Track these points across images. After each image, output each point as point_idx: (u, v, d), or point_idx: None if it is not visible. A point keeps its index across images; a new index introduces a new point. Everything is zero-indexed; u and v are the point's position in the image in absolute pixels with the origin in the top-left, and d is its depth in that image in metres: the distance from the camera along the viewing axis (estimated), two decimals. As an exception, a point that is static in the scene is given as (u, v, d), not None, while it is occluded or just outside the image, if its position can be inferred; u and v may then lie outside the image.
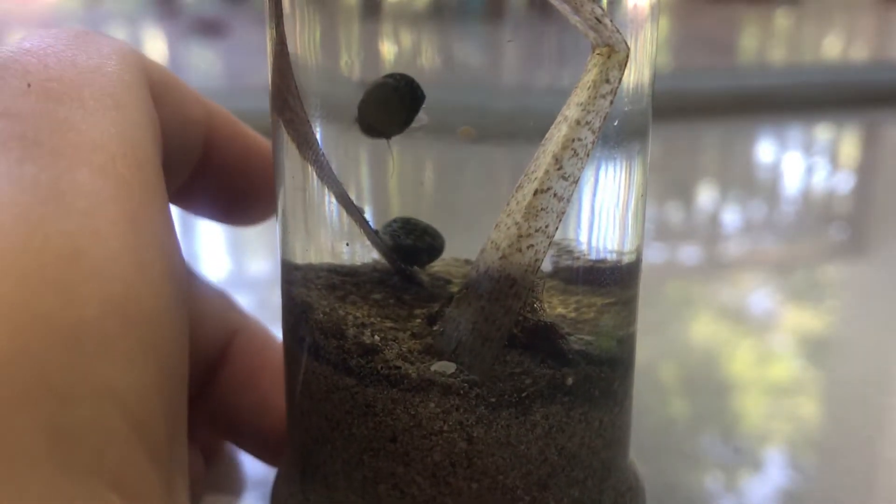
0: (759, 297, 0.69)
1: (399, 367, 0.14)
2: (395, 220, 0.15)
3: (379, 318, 0.15)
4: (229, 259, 0.73)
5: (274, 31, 0.15)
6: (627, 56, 0.13)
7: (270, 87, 0.15)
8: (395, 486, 0.15)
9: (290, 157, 0.16)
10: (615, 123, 0.15)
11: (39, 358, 0.10)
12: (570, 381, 0.15)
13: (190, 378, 0.16)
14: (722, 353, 0.57)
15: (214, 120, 0.17)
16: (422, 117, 0.14)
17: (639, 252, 0.16)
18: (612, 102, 0.14)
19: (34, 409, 0.09)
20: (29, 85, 0.12)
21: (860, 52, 2.02)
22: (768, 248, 0.88)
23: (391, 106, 0.14)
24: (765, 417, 0.47)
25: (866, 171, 1.21)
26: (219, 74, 1.81)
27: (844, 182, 1.20)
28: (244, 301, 0.64)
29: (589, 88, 0.13)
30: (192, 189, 0.17)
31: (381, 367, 0.15)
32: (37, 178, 0.11)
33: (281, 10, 0.15)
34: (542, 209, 0.14)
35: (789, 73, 1.63)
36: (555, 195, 0.14)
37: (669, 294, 0.73)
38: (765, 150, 1.37)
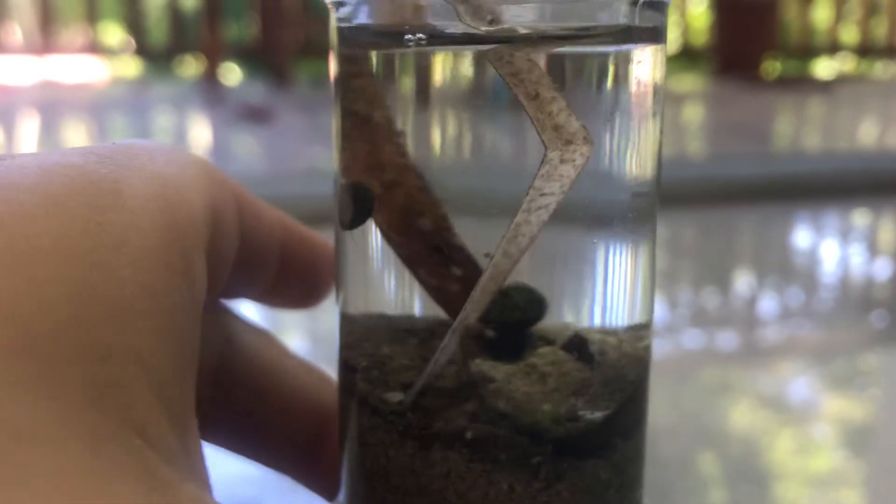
0: (799, 385, 0.68)
1: (355, 385, 0.17)
2: (506, 294, 0.16)
3: (398, 353, 0.17)
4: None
5: (347, 104, 0.16)
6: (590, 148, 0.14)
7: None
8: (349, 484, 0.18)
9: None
10: (620, 211, 0.16)
11: (88, 324, 0.13)
12: (468, 434, 0.16)
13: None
14: (762, 442, 0.56)
15: (288, 226, 0.19)
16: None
17: (640, 336, 0.17)
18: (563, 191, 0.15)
19: (82, 364, 0.12)
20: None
21: (895, 139, 2.02)
22: (807, 335, 0.87)
23: (344, 206, 0.17)
24: (807, 509, 0.46)
25: (905, 257, 1.20)
26: (264, 160, 1.85)
27: (883, 268, 1.19)
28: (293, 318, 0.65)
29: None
30: (272, 287, 0.19)
31: (347, 383, 0.18)
32: (102, 176, 0.14)
33: (363, 79, 0.16)
34: (491, 279, 0.16)
35: (824, 159, 1.64)
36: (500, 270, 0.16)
37: (706, 381, 0.72)
38: (801, 236, 1.36)
